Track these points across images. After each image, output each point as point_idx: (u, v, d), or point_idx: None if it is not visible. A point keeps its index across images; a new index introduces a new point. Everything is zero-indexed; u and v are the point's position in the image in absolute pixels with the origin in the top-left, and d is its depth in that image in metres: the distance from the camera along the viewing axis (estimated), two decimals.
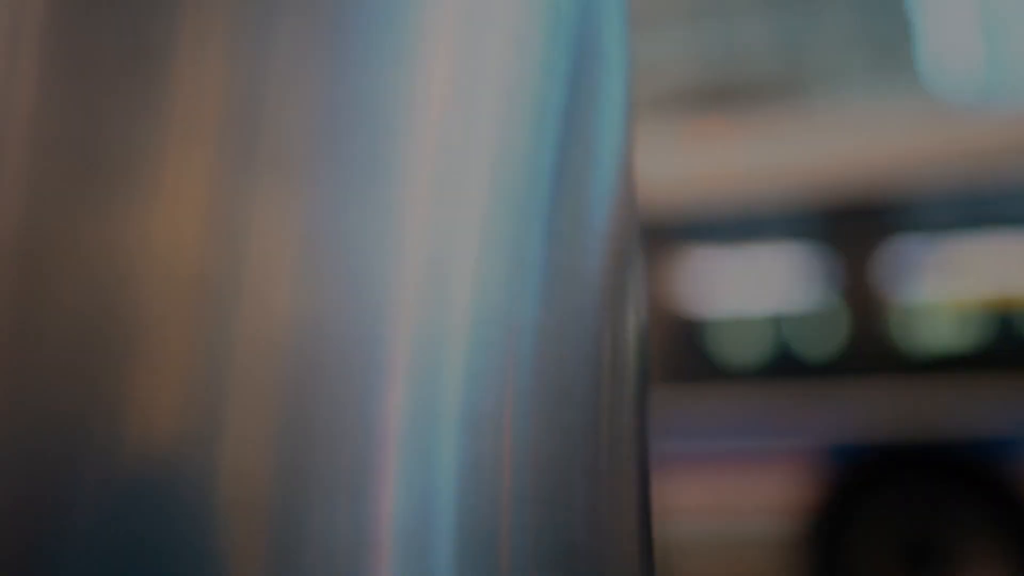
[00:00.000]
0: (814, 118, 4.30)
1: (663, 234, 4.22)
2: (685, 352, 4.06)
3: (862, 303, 3.85)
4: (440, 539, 0.17)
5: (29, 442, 0.14)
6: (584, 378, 0.20)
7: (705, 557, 3.89)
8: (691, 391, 4.02)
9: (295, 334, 0.15)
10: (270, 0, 0.14)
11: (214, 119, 0.15)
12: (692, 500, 3.91)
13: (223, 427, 0.14)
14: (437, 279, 0.17)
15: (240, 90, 0.14)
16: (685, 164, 4.30)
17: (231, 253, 0.15)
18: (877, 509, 3.70)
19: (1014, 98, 4.08)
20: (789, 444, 3.83)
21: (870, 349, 3.79)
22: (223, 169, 0.15)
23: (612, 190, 0.24)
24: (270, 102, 0.15)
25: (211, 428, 0.14)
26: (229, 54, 0.14)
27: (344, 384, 0.16)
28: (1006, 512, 3.57)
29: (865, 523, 3.71)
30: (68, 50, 0.14)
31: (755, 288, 4.04)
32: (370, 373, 0.17)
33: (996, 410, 3.62)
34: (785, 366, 3.93)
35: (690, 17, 25.93)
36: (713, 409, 3.96)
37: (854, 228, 3.91)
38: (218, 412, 0.14)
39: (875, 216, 3.88)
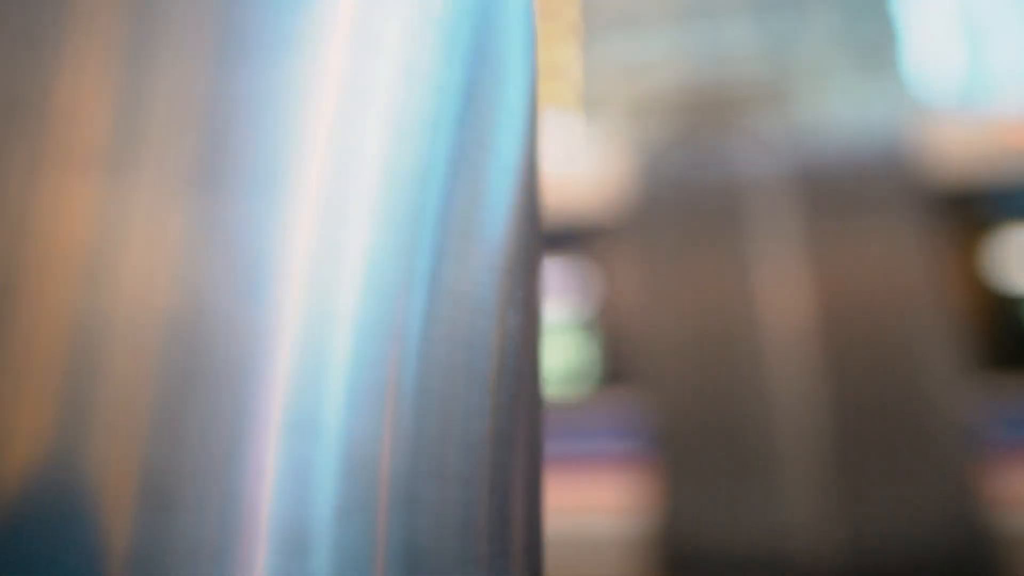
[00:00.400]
0: None
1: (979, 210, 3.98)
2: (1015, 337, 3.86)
3: None
4: (319, 542, 0.16)
5: None
6: (465, 390, 0.20)
7: None
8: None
9: (171, 334, 0.15)
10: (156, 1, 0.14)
11: (98, 117, 0.13)
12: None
13: (90, 424, 0.14)
14: (322, 287, 0.17)
15: (124, 87, 0.14)
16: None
17: (107, 252, 0.14)
18: None
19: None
20: None
21: None
22: (103, 168, 0.14)
23: (510, 205, 0.23)
24: (157, 99, 0.14)
25: (77, 425, 0.14)
26: (114, 46, 0.14)
27: (222, 385, 0.16)
28: None
29: None
30: None
31: None
32: (249, 375, 0.15)
33: None
34: None
35: (675, 19, 26.55)
36: None
37: None
38: (85, 410, 0.14)
39: None
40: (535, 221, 0.26)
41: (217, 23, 0.15)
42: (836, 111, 25.47)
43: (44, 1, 0.13)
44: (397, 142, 0.20)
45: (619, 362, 4.06)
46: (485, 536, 0.21)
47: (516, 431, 0.22)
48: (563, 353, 4.11)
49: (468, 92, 0.22)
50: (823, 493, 3.97)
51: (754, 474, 3.90)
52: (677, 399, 3.98)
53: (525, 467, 0.23)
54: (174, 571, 0.14)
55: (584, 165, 4.41)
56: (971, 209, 4.02)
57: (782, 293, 4.21)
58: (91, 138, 0.14)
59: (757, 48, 25.78)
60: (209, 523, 0.14)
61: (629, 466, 3.84)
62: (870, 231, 4.12)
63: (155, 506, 0.14)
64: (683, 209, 4.21)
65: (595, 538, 3.76)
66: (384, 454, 0.17)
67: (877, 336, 4.06)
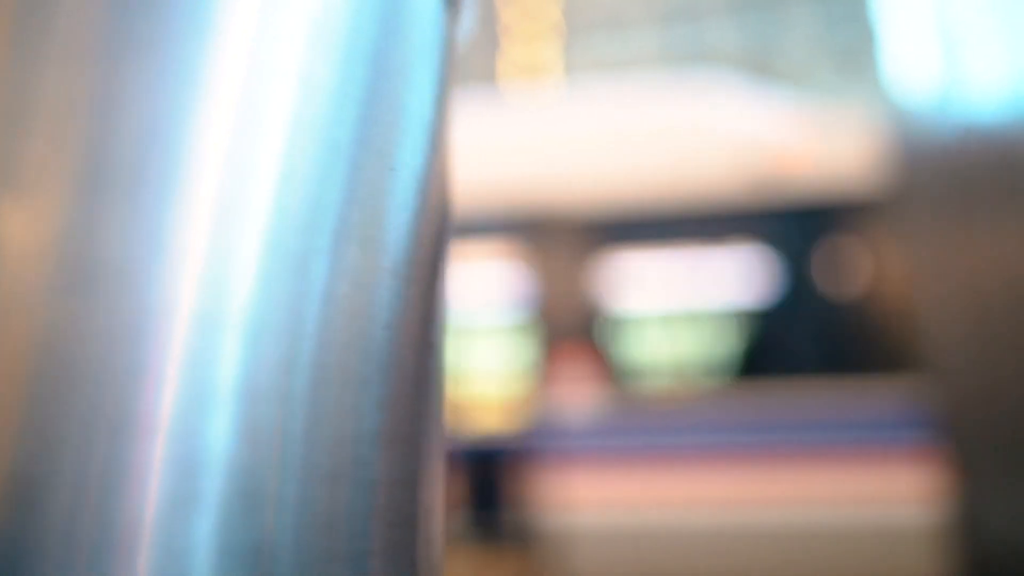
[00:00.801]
0: None
1: None
2: None
3: None
4: (201, 543, 0.16)
5: None
6: (338, 390, 0.20)
7: None
8: None
9: (47, 337, 0.15)
10: (49, 9, 0.14)
11: None
12: None
13: None
14: (212, 296, 0.17)
15: (8, 92, 0.14)
16: None
17: None
18: None
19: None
20: None
21: None
22: None
23: (413, 211, 0.24)
24: (42, 97, 0.14)
25: None
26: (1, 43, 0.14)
27: (102, 386, 0.16)
28: None
29: None
30: None
31: None
32: (130, 378, 0.16)
33: None
34: None
35: (657, 20, 26.66)
36: None
37: None
38: None
39: None
40: (441, 226, 0.27)
41: (107, 22, 0.15)
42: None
43: None
44: (291, 149, 0.20)
45: (895, 345, 3.86)
46: (353, 532, 0.21)
47: (401, 430, 0.23)
48: (827, 338, 3.90)
49: (368, 100, 0.22)
50: None
51: None
52: (968, 383, 3.65)
53: (408, 464, 0.23)
54: (49, 572, 0.14)
55: (842, 139, 4.25)
56: None
57: None
58: None
59: (738, 50, 25.97)
60: (85, 521, 0.14)
61: (918, 455, 3.66)
62: None
63: (26, 506, 0.13)
64: (958, 182, 3.91)
65: (892, 530, 3.63)
66: (274, 460, 0.18)
67: None
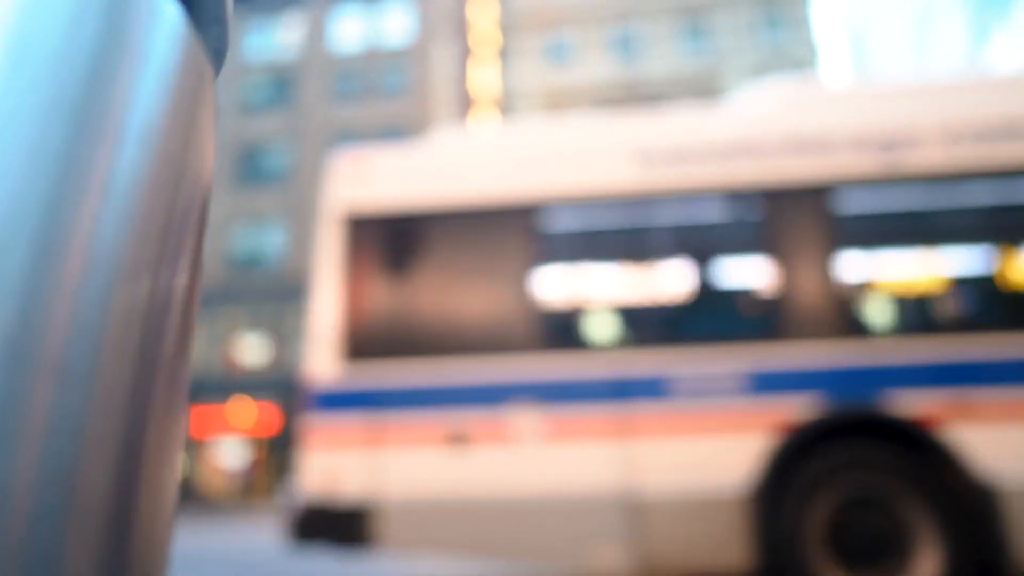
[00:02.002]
0: None
1: None
2: None
3: None
4: None
5: None
6: (60, 399, 0.20)
7: None
8: None
9: None
10: None
11: None
12: None
13: None
14: None
15: None
16: None
17: None
18: None
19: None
20: None
21: None
22: None
23: (133, 218, 0.24)
24: None
25: None
26: None
27: None
28: None
29: None
30: None
31: None
32: None
33: None
34: None
35: (606, 20, 26.85)
36: None
37: None
38: None
39: None
40: (173, 231, 0.27)
41: None
42: None
43: None
44: None
45: None
46: (52, 531, 0.20)
47: (112, 428, 0.22)
48: None
49: (80, 109, 0.22)
50: None
51: None
52: None
53: (121, 464, 0.22)
54: None
55: None
56: None
57: None
58: None
59: (686, 59, 26.05)
60: None
61: None
62: None
63: None
64: None
65: None
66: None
67: None
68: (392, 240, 4.57)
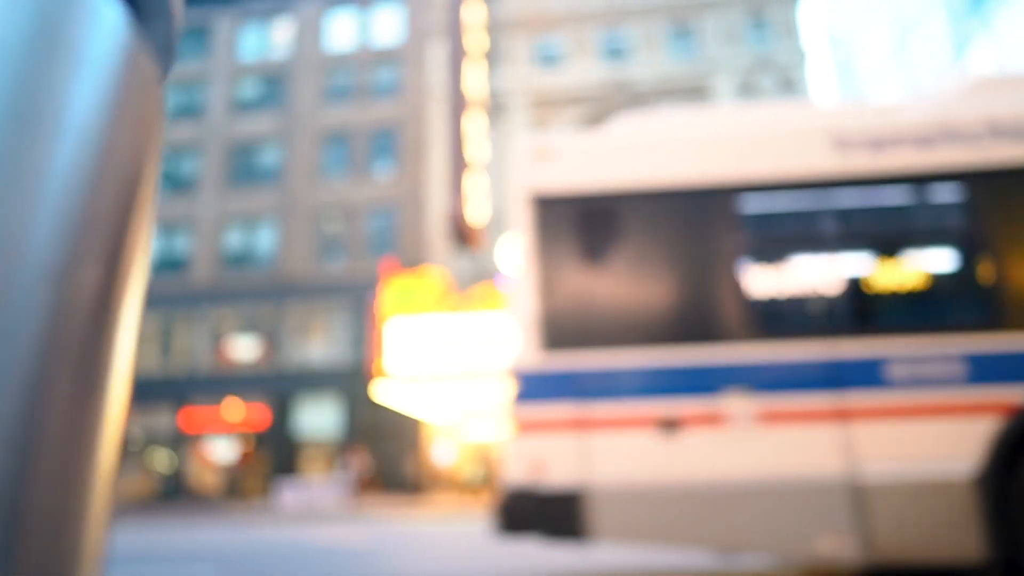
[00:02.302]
0: None
1: None
2: None
3: None
4: None
5: None
6: None
7: None
8: None
9: None
10: None
11: None
12: None
13: None
14: None
15: None
16: None
17: None
18: None
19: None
20: None
21: None
22: None
23: (70, 215, 0.24)
24: None
25: None
26: None
27: None
28: None
29: None
30: None
31: None
32: None
33: None
34: None
35: (594, 23, 27.13)
36: None
37: None
38: None
39: None
40: (112, 229, 0.26)
41: None
42: None
43: None
44: None
45: None
46: None
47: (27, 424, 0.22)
48: None
49: (14, 108, 0.22)
50: None
51: None
52: None
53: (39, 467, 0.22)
54: None
55: None
56: None
57: None
58: None
59: (674, 67, 26.40)
60: None
61: None
62: None
63: None
64: None
65: None
66: None
67: None
68: (585, 223, 4.49)
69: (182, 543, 12.06)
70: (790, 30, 26.74)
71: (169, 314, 27.43)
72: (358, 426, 24.82)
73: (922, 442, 3.90)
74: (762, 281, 4.33)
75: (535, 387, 4.23)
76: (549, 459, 4.08)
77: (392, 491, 24.51)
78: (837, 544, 3.82)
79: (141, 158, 0.32)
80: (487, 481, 21.95)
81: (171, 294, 27.53)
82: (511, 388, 4.29)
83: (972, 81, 4.55)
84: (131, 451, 26.65)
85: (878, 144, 4.44)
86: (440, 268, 25.44)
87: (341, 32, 30.03)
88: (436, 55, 28.40)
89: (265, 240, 28.05)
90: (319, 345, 26.45)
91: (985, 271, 4.17)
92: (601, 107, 26.67)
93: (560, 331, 4.31)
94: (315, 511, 20.12)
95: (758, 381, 4.12)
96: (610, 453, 4.07)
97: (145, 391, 26.64)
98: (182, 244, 28.46)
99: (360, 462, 22.75)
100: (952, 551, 3.73)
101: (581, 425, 4.13)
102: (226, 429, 26.08)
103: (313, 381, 25.83)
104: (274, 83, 29.91)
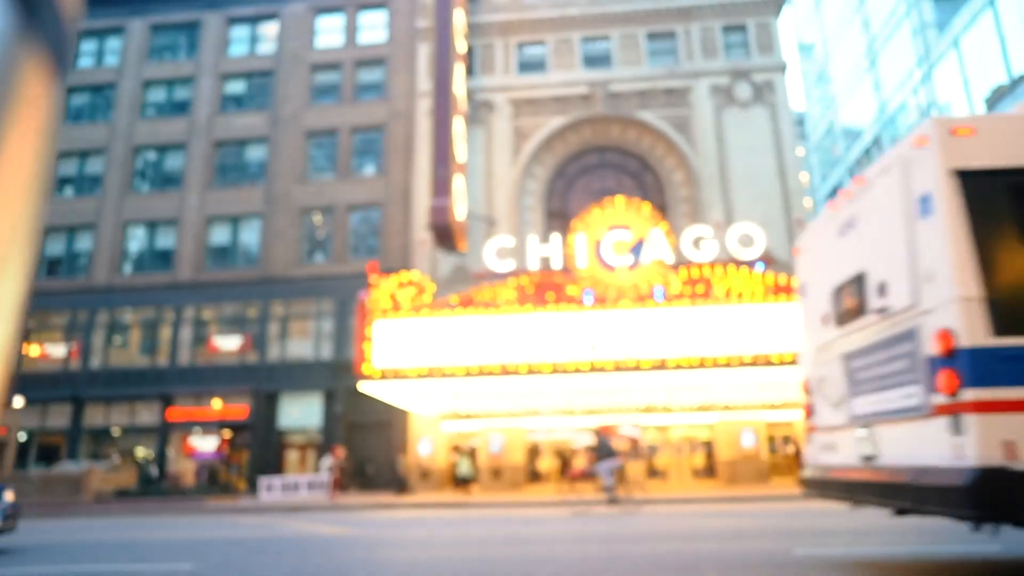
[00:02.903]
0: None
1: None
2: None
3: None
4: None
5: None
6: None
7: None
8: None
9: None
10: None
11: None
12: None
13: None
14: None
15: None
16: None
17: None
18: None
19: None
20: None
21: None
22: None
23: None
24: None
25: None
26: None
27: None
28: None
29: None
30: None
31: None
32: None
33: None
34: None
35: (577, 29, 27.66)
36: None
37: None
38: None
39: None
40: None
41: None
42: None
43: None
44: None
45: None
46: None
47: None
48: None
49: None
50: None
51: None
52: None
53: None
54: None
55: None
56: None
57: None
58: None
59: (655, 79, 27.05)
60: None
61: None
62: None
63: None
64: None
65: None
66: None
67: None
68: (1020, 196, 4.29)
69: (162, 536, 12.26)
70: (771, 37, 27.54)
71: (154, 309, 27.62)
72: (341, 422, 25.24)
73: None
74: None
75: (993, 368, 4.01)
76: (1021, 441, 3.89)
77: (379, 488, 24.94)
78: None
79: (22, 159, 0.30)
80: (475, 477, 22.34)
81: (156, 289, 27.71)
82: (958, 371, 4.11)
83: None
84: (114, 444, 26.82)
85: None
86: (423, 268, 25.92)
87: (327, 33, 30.37)
88: (422, 57, 28.86)
89: (250, 237, 28.34)
90: (303, 342, 26.82)
91: None
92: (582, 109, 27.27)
93: (1012, 313, 4.08)
94: (296, 505, 20.51)
95: None
96: None
97: (129, 385, 26.82)
98: (168, 240, 28.65)
99: (339, 459, 23.15)
100: None
101: None
102: (210, 423, 26.35)
103: (297, 377, 26.19)
104: (261, 82, 30.17)
